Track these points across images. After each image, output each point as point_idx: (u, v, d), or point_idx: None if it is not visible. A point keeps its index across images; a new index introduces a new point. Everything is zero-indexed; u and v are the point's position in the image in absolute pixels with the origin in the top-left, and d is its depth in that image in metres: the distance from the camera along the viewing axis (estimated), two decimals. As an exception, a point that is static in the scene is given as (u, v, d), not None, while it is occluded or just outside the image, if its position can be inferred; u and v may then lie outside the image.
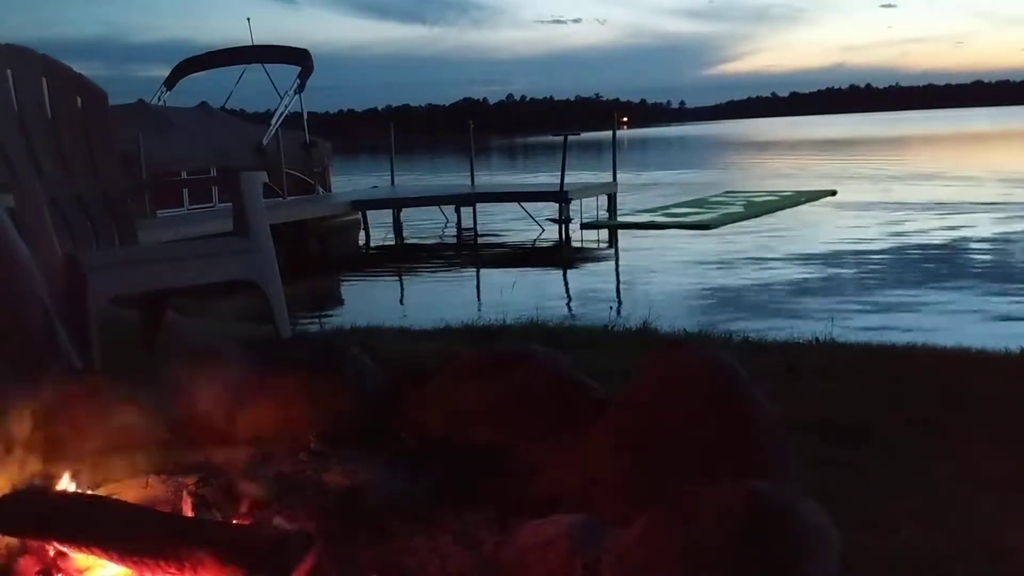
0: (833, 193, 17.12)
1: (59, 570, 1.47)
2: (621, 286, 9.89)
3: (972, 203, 14.74)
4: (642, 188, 20.68)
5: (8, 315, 2.00)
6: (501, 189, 17.23)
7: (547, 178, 17.99)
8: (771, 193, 17.25)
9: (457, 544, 1.44)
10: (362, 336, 3.96)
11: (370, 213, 14.59)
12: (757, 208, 15.07)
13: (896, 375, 3.20)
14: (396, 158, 17.03)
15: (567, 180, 13.86)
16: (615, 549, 1.33)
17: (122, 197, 3.33)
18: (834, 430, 2.54)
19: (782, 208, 15.23)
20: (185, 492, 1.62)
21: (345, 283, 11.41)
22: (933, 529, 1.88)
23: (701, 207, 15.62)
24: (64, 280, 2.66)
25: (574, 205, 14.05)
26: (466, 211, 14.95)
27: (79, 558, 1.47)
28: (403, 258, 13.13)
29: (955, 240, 11.14)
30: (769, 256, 10.60)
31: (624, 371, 2.62)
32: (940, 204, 14.89)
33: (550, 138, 24.25)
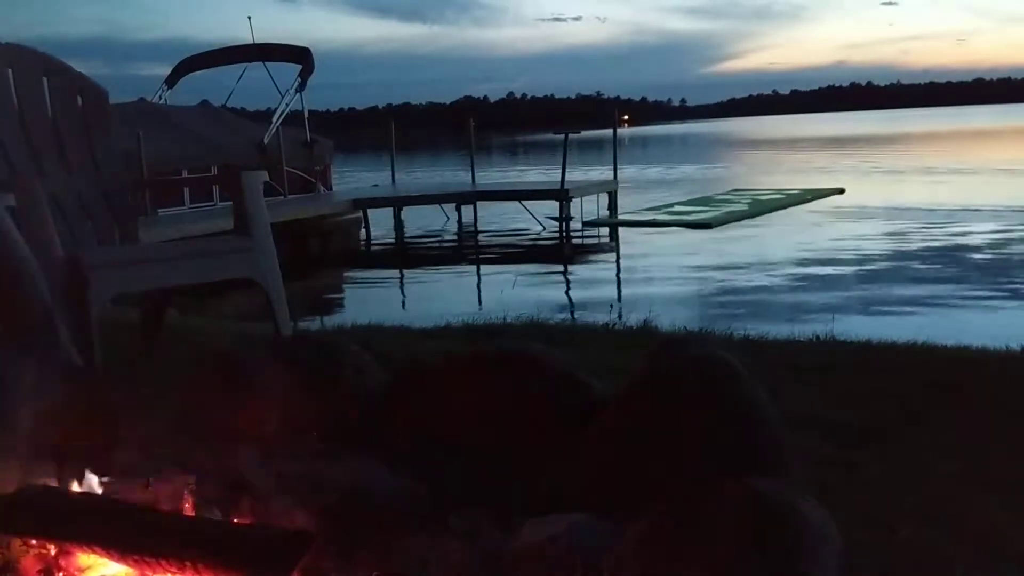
0: (841, 191, 17.04)
1: (60, 569, 1.47)
2: (622, 285, 9.89)
3: (976, 201, 14.70)
4: (645, 186, 20.68)
5: (9, 314, 2.00)
6: (502, 187, 17.23)
7: (548, 176, 18.02)
8: (777, 191, 17.17)
9: (458, 543, 1.44)
10: (363, 335, 3.96)
11: (371, 211, 14.59)
12: (762, 206, 15.02)
13: (896, 374, 3.20)
14: (397, 156, 17.03)
15: (568, 178, 13.86)
16: (615, 548, 1.34)
17: (123, 196, 3.33)
18: (834, 428, 2.54)
19: (788, 206, 15.17)
20: (186, 491, 1.62)
21: (346, 282, 11.41)
22: (933, 528, 1.88)
23: (706, 205, 15.58)
24: (65, 279, 2.66)
25: (575, 203, 14.04)
26: (467, 209, 14.95)
27: (80, 557, 1.47)
28: (404, 257, 13.12)
29: (958, 239, 11.12)
30: (771, 254, 10.59)
31: (624, 370, 2.62)
32: (945, 202, 14.84)
33: (551, 136, 24.25)
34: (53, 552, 1.48)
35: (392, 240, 14.20)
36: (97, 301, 2.73)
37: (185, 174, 12.25)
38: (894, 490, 2.13)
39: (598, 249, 12.65)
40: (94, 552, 1.44)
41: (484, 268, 11.55)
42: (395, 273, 11.66)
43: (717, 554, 1.25)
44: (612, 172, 15.49)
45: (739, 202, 15.75)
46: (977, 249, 10.37)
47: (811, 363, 3.39)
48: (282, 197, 13.47)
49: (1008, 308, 7.33)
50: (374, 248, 14.07)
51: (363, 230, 14.61)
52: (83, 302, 2.67)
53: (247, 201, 3.10)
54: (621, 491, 1.51)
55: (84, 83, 3.31)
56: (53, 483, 1.63)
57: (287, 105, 15.28)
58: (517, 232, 14.04)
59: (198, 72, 16.81)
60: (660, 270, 10.00)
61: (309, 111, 16.00)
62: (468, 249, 13.48)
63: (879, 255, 10.21)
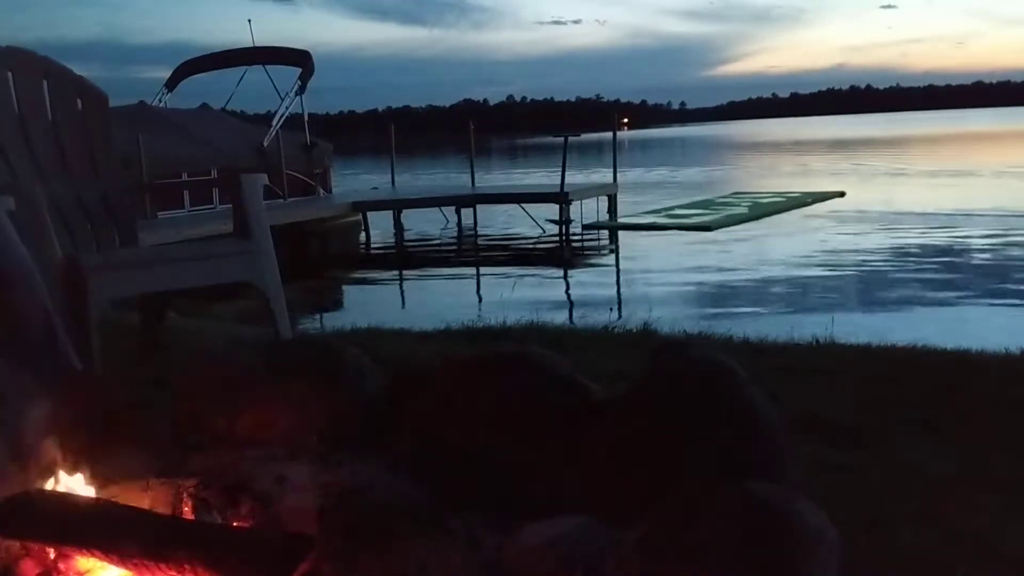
0: (841, 194, 17.02)
1: (60, 573, 1.47)
2: (621, 287, 9.89)
3: (977, 205, 14.67)
4: (645, 189, 20.69)
5: (8, 317, 2.00)
6: (501, 190, 17.25)
7: (548, 179, 18.04)
8: (778, 194, 17.15)
9: (458, 546, 1.44)
10: (362, 337, 3.96)
11: (371, 214, 14.59)
12: (762, 209, 15.00)
13: (896, 376, 3.20)
14: (397, 159, 17.04)
15: (567, 181, 13.87)
16: (616, 551, 1.34)
17: (122, 199, 3.34)
18: (834, 431, 2.54)
19: (788, 209, 15.15)
20: (186, 495, 1.62)
21: (346, 284, 11.41)
22: (932, 530, 1.88)
23: (706, 208, 15.57)
24: (64, 282, 2.66)
25: (574, 206, 14.05)
26: (466, 212, 14.96)
27: (79, 561, 1.47)
28: (404, 259, 13.12)
29: (959, 242, 11.10)
30: (771, 257, 10.59)
31: (624, 373, 2.62)
32: (945, 205, 14.82)
33: (550, 139, 24.28)
34: (52, 556, 1.48)
35: (392, 243, 14.21)
36: (96, 304, 2.74)
37: (185, 177, 12.26)
38: (893, 493, 2.13)
39: (598, 252, 12.65)
40: (93, 556, 1.44)
41: (484, 271, 11.56)
42: (395, 276, 11.66)
43: (716, 557, 1.25)
44: (612, 175, 15.50)
45: (739, 205, 15.74)
46: (978, 253, 10.37)
47: (810, 366, 3.39)
48: (282, 200, 13.47)
49: (1007, 311, 7.33)
50: (374, 251, 14.07)
51: (363, 233, 14.62)
52: (83, 305, 2.67)
53: (247, 204, 3.11)
54: (621, 494, 1.51)
55: (84, 86, 3.31)
56: (52, 487, 1.63)
57: (287, 108, 15.31)
58: (517, 235, 14.04)
59: (198, 75, 16.82)
60: (660, 273, 10.00)
61: (309, 114, 16.02)
62: (468, 252, 13.48)
63: (879, 258, 10.21)
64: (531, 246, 13.17)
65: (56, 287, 2.50)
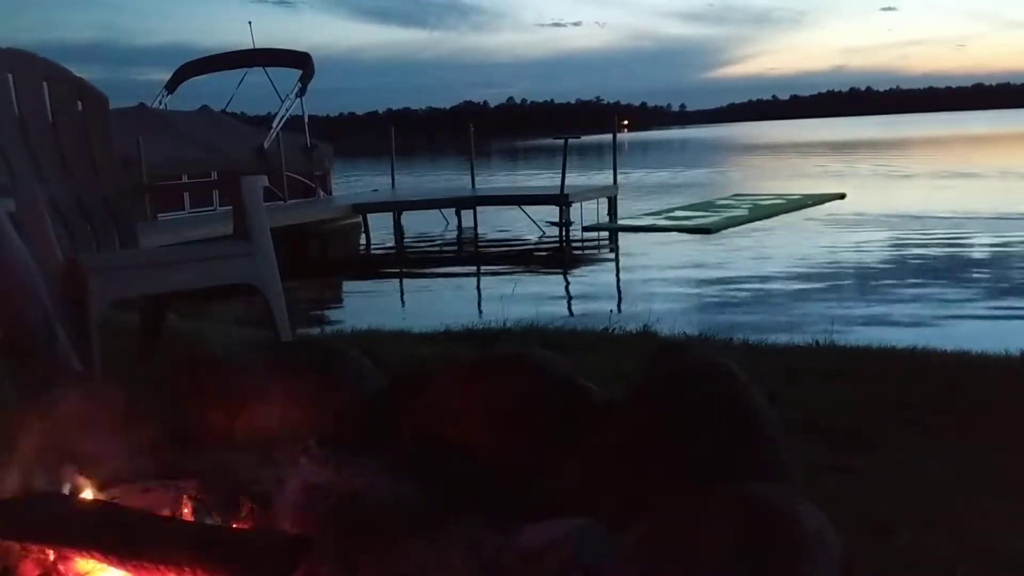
0: (842, 196, 17.02)
1: (59, 574, 1.47)
2: (621, 289, 9.89)
3: (978, 207, 14.67)
4: (645, 191, 20.69)
5: (8, 318, 2.00)
6: (502, 192, 17.26)
7: (548, 181, 18.04)
8: (778, 196, 17.14)
9: (458, 547, 1.44)
10: (362, 339, 3.96)
11: (371, 216, 14.59)
12: (762, 211, 14.99)
13: (896, 378, 3.20)
14: (397, 161, 17.04)
15: (568, 183, 13.87)
16: (616, 553, 1.34)
17: (122, 200, 3.34)
18: (834, 433, 2.54)
19: (788, 211, 15.14)
20: (185, 496, 1.62)
21: (345, 287, 11.41)
22: (933, 532, 1.88)
23: (707, 210, 15.57)
24: (64, 283, 2.66)
25: (575, 208, 14.05)
26: (466, 214, 14.97)
27: (79, 562, 1.47)
28: (404, 261, 13.13)
29: (959, 244, 11.10)
30: (771, 259, 10.59)
31: (624, 375, 2.62)
32: (946, 207, 14.81)
33: (550, 141, 24.27)
34: (52, 557, 1.48)
35: (392, 245, 14.21)
36: (96, 305, 2.73)
37: (185, 179, 12.26)
38: (894, 495, 2.13)
39: (598, 254, 12.65)
40: (93, 557, 1.44)
41: (484, 273, 11.56)
42: (395, 278, 11.65)
43: (715, 559, 1.25)
44: (612, 177, 15.50)
45: (740, 207, 15.74)
46: (978, 255, 10.37)
47: (810, 368, 3.39)
48: (282, 202, 13.47)
49: (1007, 313, 7.33)
50: (374, 253, 14.07)
51: (363, 235, 14.62)
52: (82, 306, 2.67)
53: (247, 206, 3.11)
54: (621, 496, 1.51)
55: (84, 88, 3.31)
56: (52, 488, 1.63)
57: (287, 110, 15.31)
58: (517, 237, 14.04)
59: (198, 77, 16.82)
60: (660, 275, 10.00)
61: (309, 116, 16.01)
62: (468, 254, 13.48)
63: (879, 260, 10.20)
64: (531, 248, 13.17)
65: (56, 288, 2.50)
